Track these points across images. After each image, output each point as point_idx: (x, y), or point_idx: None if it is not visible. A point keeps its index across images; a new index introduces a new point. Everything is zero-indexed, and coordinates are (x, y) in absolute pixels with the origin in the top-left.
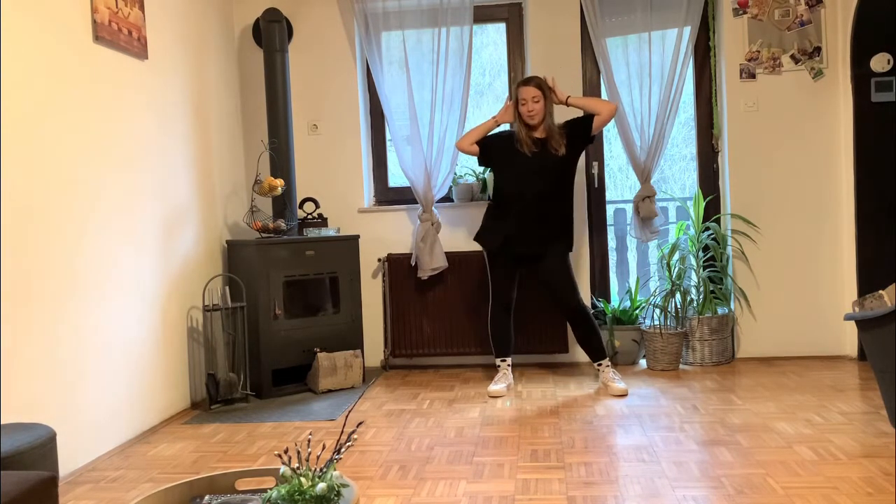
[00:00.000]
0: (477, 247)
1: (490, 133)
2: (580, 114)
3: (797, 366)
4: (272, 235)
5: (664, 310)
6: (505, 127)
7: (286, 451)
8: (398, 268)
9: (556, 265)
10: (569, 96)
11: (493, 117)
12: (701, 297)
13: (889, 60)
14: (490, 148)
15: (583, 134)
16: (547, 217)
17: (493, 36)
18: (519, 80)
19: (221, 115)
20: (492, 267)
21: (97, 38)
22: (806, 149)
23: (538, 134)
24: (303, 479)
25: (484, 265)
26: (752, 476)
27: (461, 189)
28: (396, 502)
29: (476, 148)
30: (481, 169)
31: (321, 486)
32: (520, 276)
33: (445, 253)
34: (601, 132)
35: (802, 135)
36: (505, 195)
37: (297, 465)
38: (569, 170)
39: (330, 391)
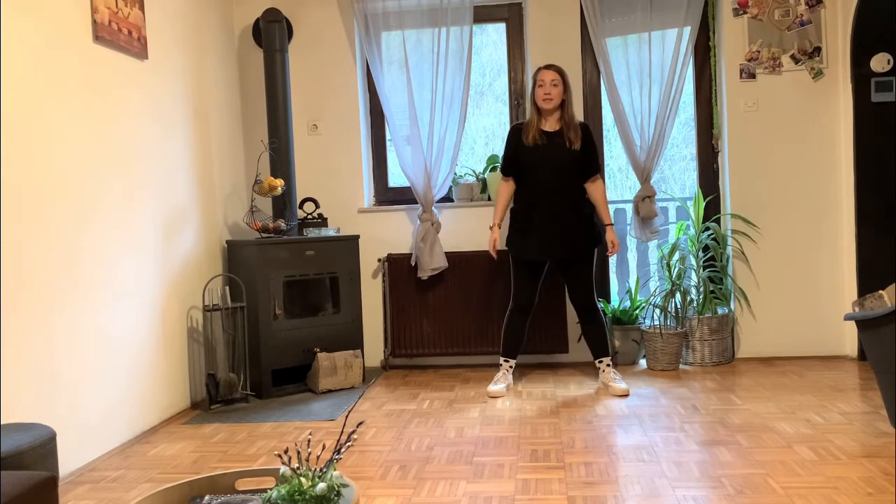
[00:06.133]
0: (476, 246)
1: (509, 144)
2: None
3: (797, 366)
4: (272, 235)
5: (664, 310)
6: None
7: (286, 451)
8: (398, 268)
9: (583, 269)
10: None
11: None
12: (701, 297)
13: (889, 60)
14: (515, 163)
15: (585, 145)
16: (567, 219)
17: (493, 36)
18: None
19: (221, 115)
20: (515, 269)
21: (97, 38)
22: (806, 149)
23: (549, 126)
24: (303, 479)
25: (484, 266)
26: (752, 476)
27: (461, 189)
28: (396, 502)
29: (512, 186)
30: (481, 169)
31: (321, 486)
32: (543, 281)
33: (445, 253)
34: (599, 143)
35: (802, 135)
36: (519, 196)
37: (297, 465)
38: (580, 167)
39: (330, 391)
